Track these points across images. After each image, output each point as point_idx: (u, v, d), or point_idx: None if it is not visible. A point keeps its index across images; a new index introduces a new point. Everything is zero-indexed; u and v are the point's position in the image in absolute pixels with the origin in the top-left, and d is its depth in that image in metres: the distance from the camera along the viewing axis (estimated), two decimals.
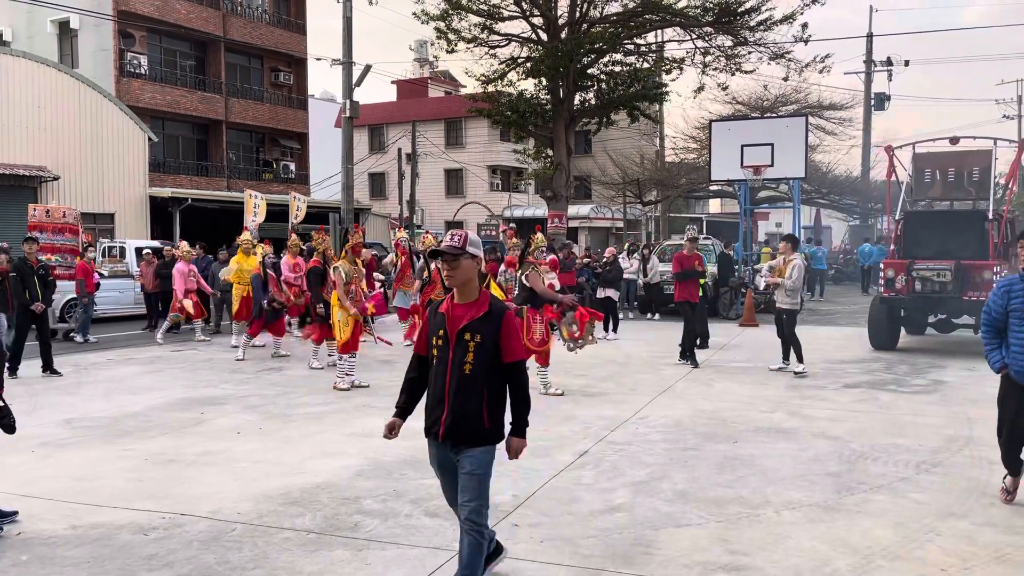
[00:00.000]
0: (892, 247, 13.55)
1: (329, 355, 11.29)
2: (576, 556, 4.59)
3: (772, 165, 18.94)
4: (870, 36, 35.81)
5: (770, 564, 4.46)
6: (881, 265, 13.23)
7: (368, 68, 22.26)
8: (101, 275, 16.95)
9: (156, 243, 20.35)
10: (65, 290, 14.95)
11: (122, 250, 19.93)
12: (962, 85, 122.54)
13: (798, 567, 4.42)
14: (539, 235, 9.93)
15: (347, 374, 9.83)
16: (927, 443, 7.06)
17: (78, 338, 14.71)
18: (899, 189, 14.22)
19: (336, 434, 7.51)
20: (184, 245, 14.97)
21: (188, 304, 14.04)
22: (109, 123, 26.13)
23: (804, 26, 22.21)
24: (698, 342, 12.45)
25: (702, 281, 12.45)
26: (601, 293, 15.63)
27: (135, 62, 29.09)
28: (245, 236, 14.24)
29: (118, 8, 28.03)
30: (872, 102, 36.06)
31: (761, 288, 12.07)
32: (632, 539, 4.85)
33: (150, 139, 27.55)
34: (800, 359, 10.61)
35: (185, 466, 6.43)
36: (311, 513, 5.30)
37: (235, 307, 13.74)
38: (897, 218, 13.61)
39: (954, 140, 14.45)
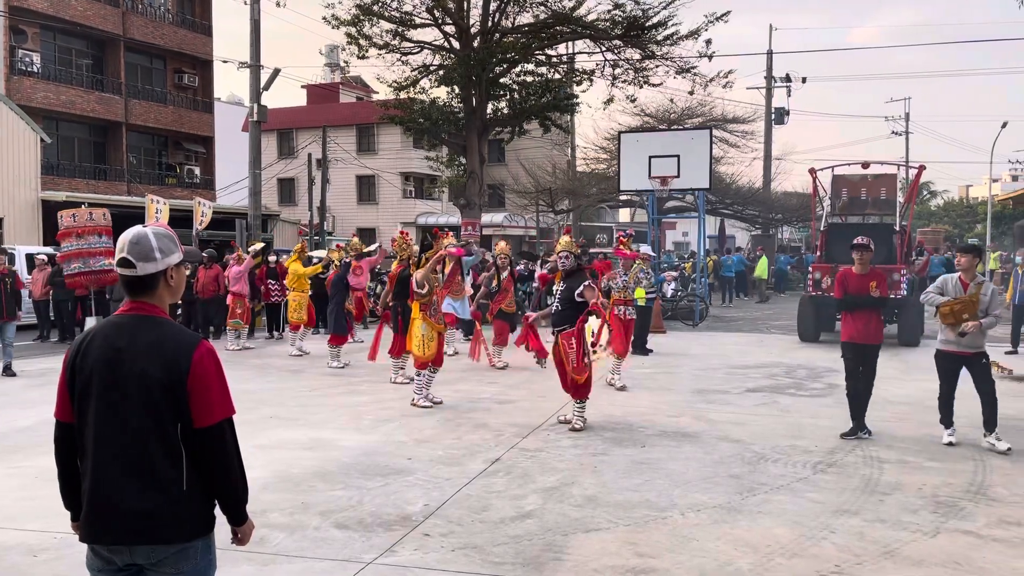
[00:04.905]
0: (818, 253, 15.29)
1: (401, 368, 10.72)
2: (487, 564, 4.61)
3: (678, 176, 19.43)
4: (770, 53, 37.23)
5: (676, 565, 4.58)
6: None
7: (277, 72, 21.81)
8: None
9: (49, 249, 19.36)
10: None
11: (11, 256, 18.87)
12: (855, 102, 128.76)
13: (703, 567, 4.55)
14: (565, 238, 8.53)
15: (425, 388, 9.26)
16: (823, 444, 7.38)
17: None
18: (822, 205, 15.99)
19: (242, 446, 7.28)
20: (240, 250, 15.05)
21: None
22: None
23: (708, 42, 22.93)
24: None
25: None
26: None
27: (27, 59, 27.69)
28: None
29: (9, 3, 26.65)
30: (772, 116, 37.53)
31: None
32: (543, 545, 4.89)
33: (43, 140, 26.22)
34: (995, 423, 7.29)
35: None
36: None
37: (293, 315, 13.55)
38: (822, 229, 15.14)
39: (865, 164, 16.14)
